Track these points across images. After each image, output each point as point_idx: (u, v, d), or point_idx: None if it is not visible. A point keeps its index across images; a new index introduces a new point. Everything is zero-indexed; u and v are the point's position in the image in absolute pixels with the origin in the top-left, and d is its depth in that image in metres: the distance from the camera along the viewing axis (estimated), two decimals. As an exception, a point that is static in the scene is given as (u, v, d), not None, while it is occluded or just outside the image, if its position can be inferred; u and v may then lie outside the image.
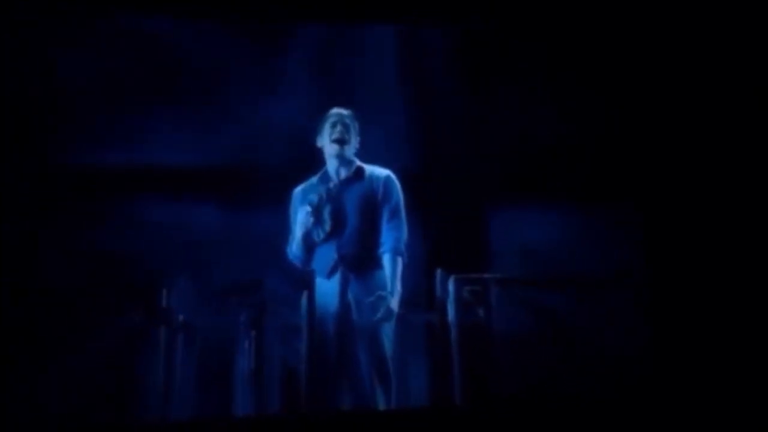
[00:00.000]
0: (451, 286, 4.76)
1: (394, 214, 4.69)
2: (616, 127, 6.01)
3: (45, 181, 5.72)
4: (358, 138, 4.78)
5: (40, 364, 4.76)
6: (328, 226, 4.60)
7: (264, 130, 5.99)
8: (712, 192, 5.61)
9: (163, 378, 4.54)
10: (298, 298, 4.62)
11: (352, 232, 4.64)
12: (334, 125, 4.72)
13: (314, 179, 4.79)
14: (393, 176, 4.76)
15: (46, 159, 5.78)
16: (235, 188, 6.00)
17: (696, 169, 5.66)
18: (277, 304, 4.73)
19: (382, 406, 4.50)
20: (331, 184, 4.69)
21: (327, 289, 4.59)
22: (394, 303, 4.54)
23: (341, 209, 4.66)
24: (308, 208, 4.61)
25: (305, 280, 4.61)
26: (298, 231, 4.66)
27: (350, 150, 4.73)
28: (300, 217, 4.63)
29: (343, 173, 4.72)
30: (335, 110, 4.78)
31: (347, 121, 4.74)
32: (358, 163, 4.76)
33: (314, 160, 4.84)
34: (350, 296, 4.55)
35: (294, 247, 4.70)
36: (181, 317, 4.70)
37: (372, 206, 4.68)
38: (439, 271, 4.83)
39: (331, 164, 4.74)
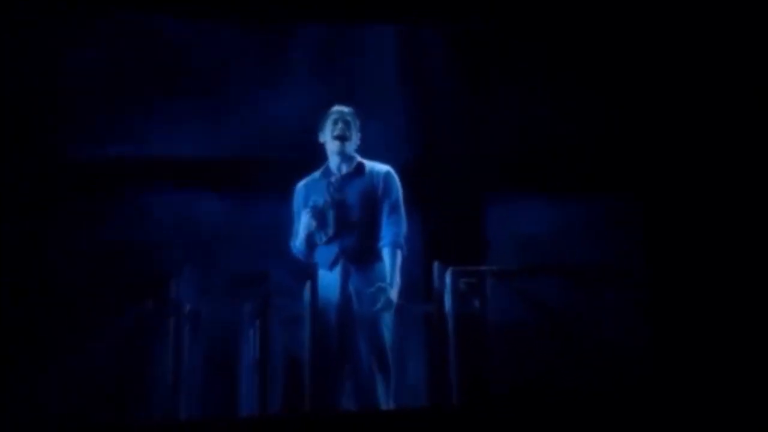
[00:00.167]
0: (448, 278, 4.82)
1: (394, 208, 4.76)
2: (615, 120, 6.01)
3: (52, 176, 5.74)
4: (359, 135, 4.85)
5: (53, 354, 4.84)
6: (331, 231, 4.67)
7: (268, 124, 6.01)
8: (711, 184, 5.61)
9: (172, 366, 4.60)
10: (301, 289, 4.68)
11: (353, 226, 4.70)
12: (335, 122, 4.80)
13: (316, 174, 4.87)
14: (393, 172, 4.83)
15: (53, 154, 5.80)
16: (240, 181, 6.03)
17: (695, 161, 5.68)
18: (281, 295, 4.79)
19: (381, 393, 4.56)
20: (333, 179, 4.76)
21: (329, 280, 4.66)
22: (394, 294, 4.60)
23: (344, 208, 4.72)
24: (311, 211, 4.68)
25: (308, 272, 4.67)
26: (301, 232, 4.73)
27: (351, 146, 4.81)
28: (303, 220, 4.71)
29: (345, 169, 4.80)
30: (337, 108, 4.85)
31: (348, 118, 4.82)
32: (359, 159, 4.83)
33: (317, 155, 4.90)
34: (351, 288, 4.61)
35: (297, 243, 4.77)
36: (188, 307, 4.76)
37: (372, 201, 4.75)
38: (436, 264, 4.87)
39: (333, 160, 4.82)
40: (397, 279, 4.65)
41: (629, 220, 5.87)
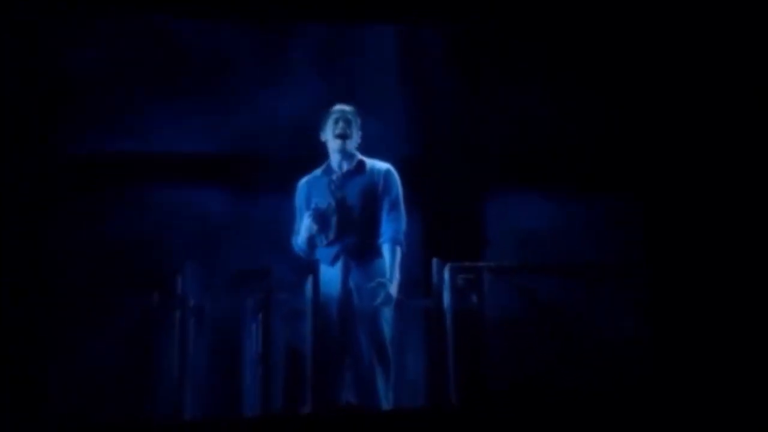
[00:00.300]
0: (446, 274, 4.85)
1: (394, 205, 4.82)
2: (614, 119, 6.05)
3: (55, 172, 5.78)
4: (360, 133, 4.91)
5: (58, 350, 4.87)
6: (332, 235, 4.74)
7: (269, 121, 6.06)
8: (712, 182, 5.59)
9: (178, 360, 4.65)
10: (302, 284, 4.70)
11: (354, 222, 4.76)
12: (336, 121, 4.86)
13: (318, 172, 4.93)
14: (393, 170, 4.89)
15: (56, 150, 5.84)
16: (242, 177, 6.09)
17: (695, 160, 5.64)
18: (283, 290, 4.80)
19: (381, 385, 4.62)
20: (334, 176, 4.83)
21: (330, 276, 4.71)
22: (393, 289, 4.68)
23: (344, 205, 4.78)
24: (313, 214, 4.75)
25: (310, 268, 4.71)
26: (303, 233, 4.80)
27: (352, 144, 4.88)
28: (305, 222, 4.78)
29: (346, 166, 4.86)
30: (338, 107, 4.91)
31: (349, 117, 4.88)
32: (360, 156, 4.89)
33: (318, 151, 4.97)
34: (352, 283, 4.67)
35: (299, 241, 4.84)
36: (192, 302, 4.79)
37: (372, 198, 4.81)
38: (435, 260, 4.90)
39: (334, 158, 4.88)
40: (397, 275, 4.72)
41: (629, 218, 5.91)
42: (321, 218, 4.73)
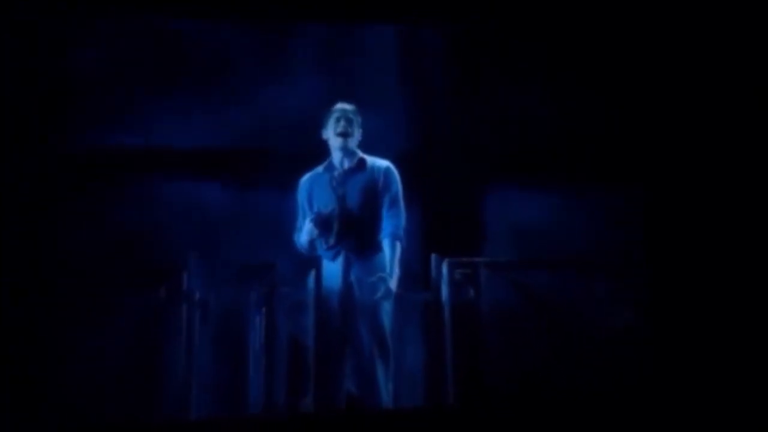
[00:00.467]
0: (444, 269, 4.93)
1: (394, 202, 4.89)
2: (614, 113, 6.06)
3: (60, 166, 5.83)
4: (360, 131, 4.97)
5: (64, 346, 4.85)
6: (333, 240, 4.80)
7: (272, 116, 6.11)
8: (712, 176, 5.60)
9: (185, 352, 4.71)
10: (305, 278, 4.80)
11: (355, 218, 4.83)
12: (338, 120, 4.92)
13: (320, 169, 5.00)
14: (393, 167, 4.96)
15: (61, 145, 5.89)
16: (245, 172, 6.15)
17: (696, 154, 5.66)
18: (286, 284, 4.87)
19: (381, 375, 4.69)
20: (336, 173, 4.90)
21: (331, 270, 4.79)
22: (393, 284, 4.73)
23: (345, 201, 4.84)
24: (315, 219, 4.79)
25: (312, 262, 4.81)
26: (304, 235, 4.87)
27: (353, 142, 4.94)
28: (307, 227, 4.84)
29: (347, 164, 4.93)
30: (339, 105, 4.97)
31: (350, 115, 4.94)
32: (361, 154, 4.96)
33: (319, 146, 5.03)
34: (353, 277, 4.75)
35: (301, 240, 4.91)
36: (197, 295, 4.82)
37: (373, 195, 4.88)
38: (433, 256, 4.99)
39: (336, 155, 4.95)
40: (397, 269, 4.78)
41: (628, 214, 5.94)
42: (323, 223, 4.79)
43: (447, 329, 4.93)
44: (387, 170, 4.95)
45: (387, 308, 4.77)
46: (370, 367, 4.70)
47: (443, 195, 6.16)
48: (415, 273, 5.24)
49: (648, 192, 5.85)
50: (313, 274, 4.78)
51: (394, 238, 4.84)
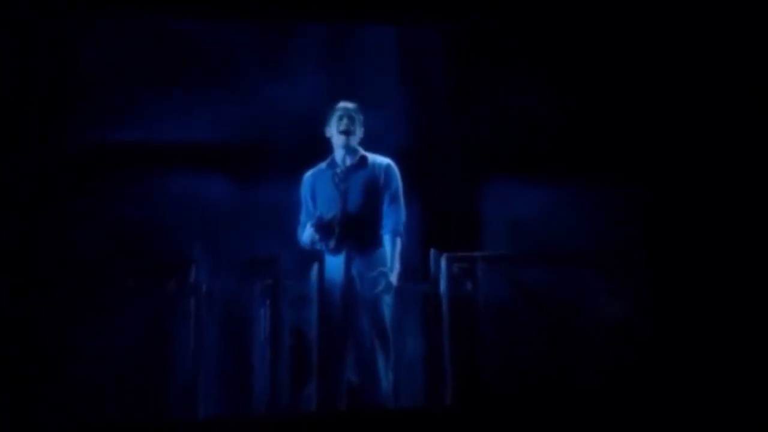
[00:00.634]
0: (443, 263, 5.04)
1: (394, 198, 4.99)
2: (613, 109, 6.03)
3: (65, 162, 5.82)
4: (362, 129, 5.05)
5: (71, 338, 4.90)
6: (333, 244, 4.87)
7: (276, 113, 6.14)
8: (712, 171, 5.60)
9: (193, 343, 4.82)
10: (308, 272, 4.90)
11: (357, 214, 4.92)
12: (340, 118, 5.01)
13: (322, 165, 5.08)
14: (393, 164, 5.04)
15: (67, 140, 5.87)
16: (249, 166, 6.18)
17: (696, 149, 5.66)
18: (290, 277, 4.97)
19: (381, 366, 4.78)
20: (338, 170, 4.98)
21: (334, 264, 4.87)
22: (394, 278, 4.85)
23: (347, 197, 4.92)
24: (317, 224, 4.86)
25: (315, 256, 4.91)
26: (306, 238, 4.95)
27: (355, 140, 5.02)
28: (308, 231, 4.93)
29: (349, 161, 5.01)
30: (342, 104, 5.05)
31: (353, 114, 5.03)
32: (362, 152, 5.04)
33: (321, 140, 5.11)
34: (354, 271, 4.84)
35: (303, 238, 4.99)
36: (204, 288, 4.93)
37: (374, 191, 4.97)
38: (432, 251, 5.09)
39: (338, 153, 5.04)
40: (397, 264, 4.88)
41: (628, 211, 5.93)
42: (324, 228, 4.86)
43: (445, 321, 5.03)
44: (388, 167, 5.04)
45: (387, 301, 4.86)
46: (371, 358, 4.80)
47: (442, 191, 6.20)
48: (415, 267, 5.30)
49: (648, 189, 5.86)
50: (315, 267, 4.86)
51: (394, 233, 4.94)
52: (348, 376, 4.89)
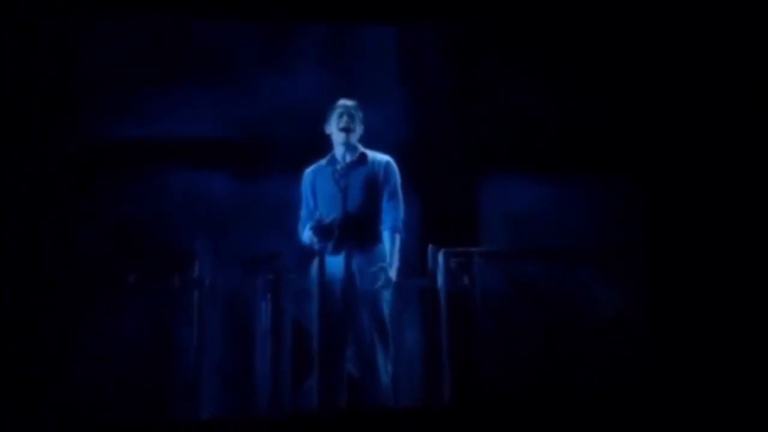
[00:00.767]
0: (440, 259, 5.10)
1: (393, 195, 5.05)
2: (613, 105, 6.05)
3: (70, 159, 5.83)
4: (362, 126, 5.12)
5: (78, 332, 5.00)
6: (331, 247, 4.94)
7: (279, 109, 6.16)
8: (711, 168, 5.62)
9: (197, 335, 4.91)
10: (309, 267, 4.96)
11: (356, 210, 4.98)
12: (341, 116, 5.08)
13: (323, 162, 5.14)
14: (392, 161, 5.11)
15: (71, 135, 5.87)
16: (253, 162, 6.19)
17: (696, 145, 5.67)
18: (291, 272, 5.04)
19: (381, 359, 4.85)
20: (338, 166, 5.05)
21: (334, 260, 4.94)
22: (393, 273, 4.90)
23: (347, 194, 4.99)
24: (316, 226, 4.92)
25: (316, 252, 4.97)
26: (306, 239, 5.01)
27: (355, 137, 5.09)
28: (307, 234, 4.99)
29: (349, 158, 5.08)
30: (342, 102, 5.12)
31: (353, 111, 5.10)
32: (362, 149, 5.11)
33: (322, 135, 5.17)
34: (354, 266, 4.90)
35: (304, 237, 5.04)
36: (207, 282, 5.02)
37: (373, 188, 5.03)
38: (430, 246, 5.16)
39: (338, 150, 5.11)
40: (396, 259, 4.95)
41: (628, 208, 5.95)
42: (322, 231, 4.93)
43: (443, 315, 5.10)
44: (387, 164, 5.11)
45: (387, 297, 4.93)
46: (371, 352, 4.86)
47: (441, 188, 6.23)
48: (413, 262, 5.38)
49: (647, 187, 5.89)
50: (316, 263, 4.92)
51: (393, 230, 5.01)
52: (348, 368, 4.97)
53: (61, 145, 5.82)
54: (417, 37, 6.46)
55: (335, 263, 4.97)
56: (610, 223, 5.95)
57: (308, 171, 5.21)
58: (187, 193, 6.07)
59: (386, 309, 4.94)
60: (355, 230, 4.98)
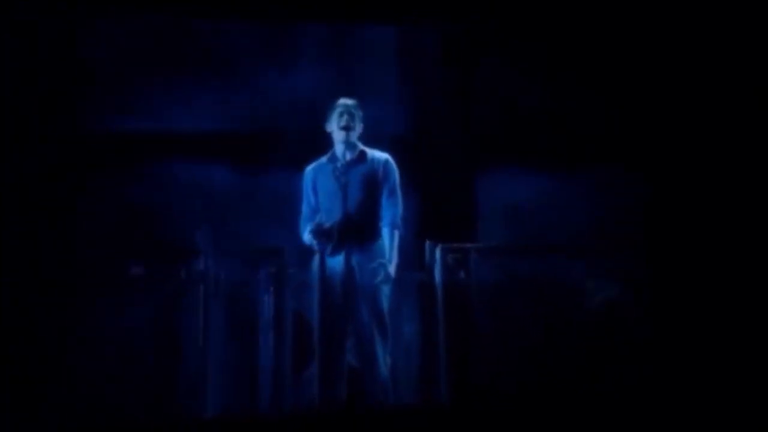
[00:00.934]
0: (437, 254, 5.24)
1: (392, 192, 5.14)
2: (612, 104, 6.14)
3: (78, 148, 5.97)
4: (362, 125, 5.19)
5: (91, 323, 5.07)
6: (330, 249, 5.01)
7: (285, 105, 6.32)
8: (711, 165, 5.67)
9: (202, 327, 5.03)
10: (310, 261, 5.05)
11: (356, 207, 5.07)
12: (341, 114, 5.15)
13: (323, 159, 5.22)
14: (391, 159, 5.19)
15: (77, 129, 6.03)
16: (258, 157, 6.34)
17: (696, 141, 5.73)
18: (293, 265, 5.16)
19: (380, 350, 4.96)
20: (339, 164, 5.13)
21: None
22: (392, 269, 5.01)
23: (347, 191, 5.07)
24: (316, 230, 4.99)
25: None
26: (306, 239, 5.08)
27: (354, 135, 5.17)
28: (307, 237, 5.08)
29: (349, 156, 5.16)
30: (342, 101, 5.20)
31: (353, 110, 5.17)
32: (361, 147, 5.19)
33: (327, 136, 5.25)
34: (354, 262, 5.00)
35: (304, 237, 5.12)
36: (212, 274, 5.10)
37: (373, 185, 5.12)
38: (428, 242, 5.30)
39: (339, 148, 5.19)
40: (395, 255, 5.05)
41: (628, 204, 6.04)
42: (322, 235, 5.00)
43: (440, 308, 5.23)
44: (386, 162, 5.19)
45: (386, 291, 5.04)
46: (370, 344, 4.98)
47: (439, 185, 6.35)
48: (412, 257, 5.46)
49: (647, 180, 5.95)
50: (317, 258, 5.02)
51: (392, 226, 5.10)
52: (348, 360, 5.08)
53: (67, 140, 5.96)
54: (417, 37, 6.55)
55: (336, 259, 5.07)
56: (609, 218, 6.04)
57: (309, 168, 5.29)
58: (191, 188, 6.20)
59: (385, 304, 5.03)
60: (354, 232, 5.06)
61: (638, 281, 5.38)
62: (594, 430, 4.35)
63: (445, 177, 6.37)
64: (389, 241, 5.09)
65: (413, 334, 5.53)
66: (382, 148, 5.28)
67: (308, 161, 5.31)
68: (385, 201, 5.16)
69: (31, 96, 5.81)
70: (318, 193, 5.23)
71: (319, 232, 5.00)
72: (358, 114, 5.23)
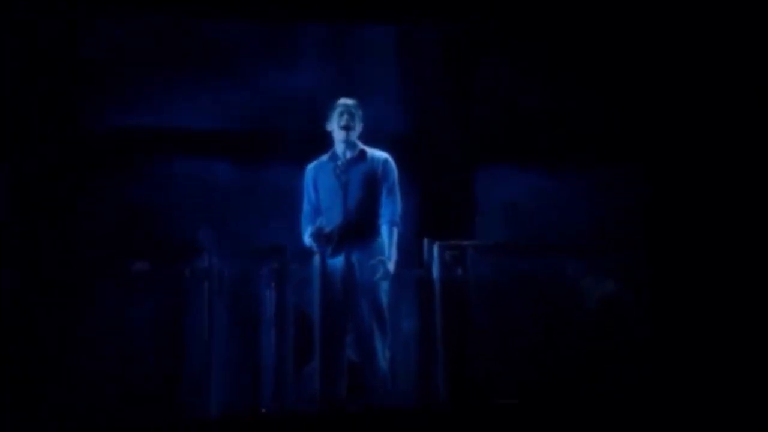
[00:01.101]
0: (435, 251, 5.32)
1: (391, 190, 5.19)
2: (613, 102, 6.18)
3: (78, 148, 6.00)
4: (361, 124, 5.25)
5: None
6: (329, 253, 5.08)
7: (287, 104, 6.37)
8: (711, 163, 5.72)
9: (207, 322, 5.10)
10: (311, 257, 5.13)
11: (356, 205, 5.13)
12: (341, 114, 5.21)
13: (324, 158, 5.28)
14: (390, 158, 5.24)
15: (83, 127, 6.08)
16: (261, 155, 6.40)
17: (696, 140, 5.81)
18: (294, 262, 5.22)
19: (379, 346, 5.02)
20: (339, 162, 5.19)
21: None
22: (391, 266, 5.07)
23: (347, 189, 5.13)
24: (316, 234, 5.05)
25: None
26: (306, 241, 5.16)
27: (354, 134, 5.22)
28: (306, 240, 5.16)
29: (349, 154, 5.22)
30: (342, 100, 5.25)
31: (353, 110, 5.23)
32: (361, 146, 5.25)
33: (328, 134, 5.29)
34: (354, 259, 5.08)
35: (305, 238, 5.19)
36: (216, 273, 5.19)
37: (372, 184, 5.18)
38: (426, 240, 5.37)
39: (339, 147, 5.24)
40: (394, 252, 5.10)
41: (626, 200, 6.09)
42: (322, 239, 5.07)
43: (437, 304, 5.30)
44: (385, 161, 5.25)
45: (385, 288, 5.11)
46: (370, 338, 5.05)
47: (437, 184, 6.41)
48: (411, 254, 5.49)
49: (647, 179, 5.99)
50: (318, 255, 5.10)
51: (391, 224, 5.16)
52: (348, 354, 5.15)
53: (67, 140, 6.00)
54: (417, 37, 6.58)
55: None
56: (608, 217, 6.07)
57: (310, 167, 5.35)
58: (193, 186, 6.25)
59: (385, 300, 5.10)
60: (354, 230, 5.12)
61: (638, 280, 5.41)
62: (593, 429, 4.35)
63: (445, 176, 6.42)
64: (388, 239, 5.14)
65: (412, 329, 5.61)
66: (382, 148, 5.33)
67: (309, 160, 5.37)
68: (384, 199, 5.21)
69: (32, 96, 5.84)
70: (319, 191, 5.28)
71: (319, 236, 5.06)
72: (358, 113, 5.28)
